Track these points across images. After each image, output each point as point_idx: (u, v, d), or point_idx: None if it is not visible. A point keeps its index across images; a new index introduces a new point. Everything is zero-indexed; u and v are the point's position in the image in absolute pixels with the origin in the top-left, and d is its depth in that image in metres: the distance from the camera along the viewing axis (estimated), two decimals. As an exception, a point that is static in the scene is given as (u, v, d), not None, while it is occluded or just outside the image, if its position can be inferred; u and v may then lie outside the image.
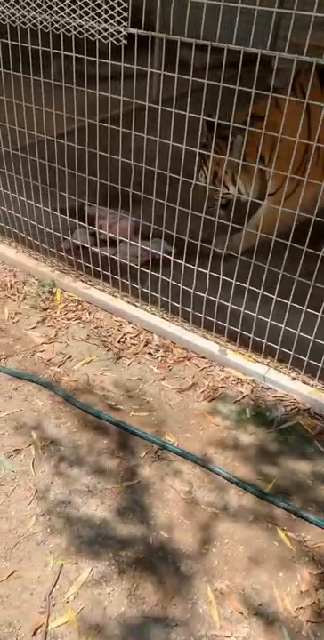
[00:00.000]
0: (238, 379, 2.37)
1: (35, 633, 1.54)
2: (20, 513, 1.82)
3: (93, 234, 2.85)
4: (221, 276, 2.28)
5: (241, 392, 2.31)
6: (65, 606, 1.60)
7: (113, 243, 2.83)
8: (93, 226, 2.73)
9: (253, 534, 1.82)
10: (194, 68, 1.91)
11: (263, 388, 2.34)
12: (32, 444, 2.04)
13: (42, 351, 2.47)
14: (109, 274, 2.69)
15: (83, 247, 2.81)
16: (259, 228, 2.15)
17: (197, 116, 2.04)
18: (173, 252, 2.49)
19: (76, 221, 2.69)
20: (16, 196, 2.81)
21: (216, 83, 1.93)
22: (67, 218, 2.70)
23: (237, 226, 2.18)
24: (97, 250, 2.71)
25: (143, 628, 1.56)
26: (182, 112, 2.01)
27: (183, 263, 2.36)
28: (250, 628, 1.59)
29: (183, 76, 1.97)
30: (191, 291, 2.40)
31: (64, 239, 2.87)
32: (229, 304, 2.32)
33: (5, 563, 1.70)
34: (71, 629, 1.55)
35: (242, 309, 2.29)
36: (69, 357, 2.45)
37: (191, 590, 1.66)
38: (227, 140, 2.53)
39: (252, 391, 2.32)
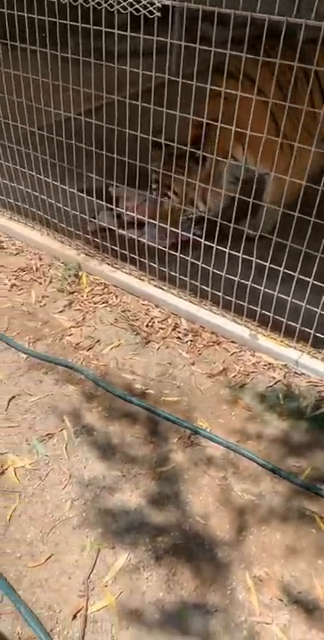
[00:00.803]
0: (270, 364, 2.34)
1: (74, 616, 1.55)
2: (55, 497, 1.83)
3: (119, 215, 2.82)
4: (254, 259, 2.24)
5: (273, 377, 2.28)
6: (104, 590, 1.61)
7: (140, 224, 2.79)
8: (119, 207, 2.69)
9: (289, 522, 1.80)
10: (215, 41, 1.87)
11: (295, 373, 2.31)
12: (64, 429, 2.04)
13: (70, 335, 2.46)
14: (136, 256, 2.66)
15: (109, 229, 2.78)
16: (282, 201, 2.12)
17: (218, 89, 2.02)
18: (203, 234, 2.44)
19: (102, 203, 2.66)
20: (41, 177, 2.77)
21: (239, 54, 1.89)
22: (92, 199, 2.67)
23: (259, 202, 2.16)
24: (123, 232, 2.68)
25: (182, 614, 1.57)
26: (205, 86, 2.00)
27: (214, 245, 2.32)
28: (290, 615, 1.58)
29: (206, 48, 1.92)
30: (222, 274, 2.36)
31: (90, 221, 2.83)
32: (261, 287, 2.29)
33: (43, 546, 1.71)
34: (111, 613, 1.56)
35: (275, 293, 2.25)
36: (98, 341, 2.44)
37: (229, 577, 1.66)
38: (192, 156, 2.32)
39: (284, 377, 2.29)
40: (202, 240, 2.37)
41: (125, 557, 1.69)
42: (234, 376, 2.29)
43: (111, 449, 1.98)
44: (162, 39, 2.02)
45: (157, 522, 1.78)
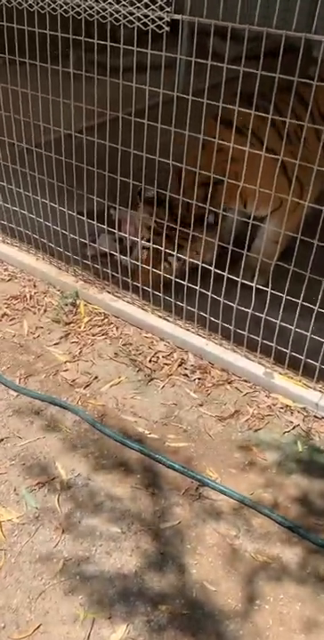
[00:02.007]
0: (287, 406, 2.30)
1: None
2: (46, 557, 1.77)
3: (120, 240, 2.81)
4: (269, 290, 2.22)
5: (291, 422, 2.24)
6: (98, 669, 1.53)
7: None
8: (121, 231, 2.69)
9: (311, 589, 1.72)
10: (223, 57, 1.90)
11: (315, 417, 2.25)
12: (57, 477, 1.99)
13: (65, 370, 2.43)
14: (139, 284, 2.64)
15: (109, 254, 2.77)
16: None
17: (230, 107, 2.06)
18: (213, 260, 2.42)
19: (103, 226, 2.65)
20: (37, 198, 2.78)
21: (254, 70, 1.91)
22: (92, 222, 2.67)
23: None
24: (126, 258, 2.66)
25: None
26: (216, 103, 2.03)
27: (225, 274, 2.30)
28: None
29: (217, 64, 1.94)
30: (233, 305, 2.33)
31: (89, 245, 2.83)
32: (277, 321, 2.26)
33: (30, 615, 1.63)
34: None
35: (293, 327, 2.22)
36: (96, 378, 2.40)
37: (242, 654, 1.58)
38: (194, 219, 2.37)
39: (303, 421, 2.24)
40: (212, 268, 2.35)
41: (124, 630, 1.61)
42: (247, 420, 2.24)
43: (109, 501, 1.93)
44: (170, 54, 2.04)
45: (160, 587, 1.71)
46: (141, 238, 2.63)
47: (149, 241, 2.61)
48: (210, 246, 2.43)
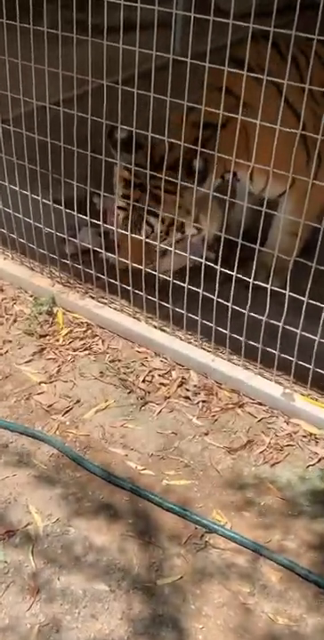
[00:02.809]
0: (311, 434, 2.32)
1: None
2: (17, 622, 1.77)
3: (106, 234, 2.84)
4: (287, 293, 2.24)
5: (316, 453, 2.26)
6: None
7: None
8: (107, 223, 2.72)
9: (343, 657, 1.73)
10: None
11: (345, 447, 2.28)
12: (30, 524, 2.00)
13: (40, 393, 2.45)
14: (130, 287, 2.66)
15: (93, 251, 2.79)
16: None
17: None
18: (219, 256, 2.44)
19: (85, 217, 2.68)
20: (5, 183, 2.81)
21: (266, 28, 1.94)
22: (72, 213, 2.69)
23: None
24: (113, 255, 2.69)
25: None
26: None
27: (234, 274, 2.32)
28: None
29: (222, 20, 1.97)
30: (244, 312, 2.36)
31: (68, 241, 2.85)
32: (297, 330, 2.28)
33: None
34: None
35: (317, 338, 2.24)
36: (78, 402, 2.42)
37: None
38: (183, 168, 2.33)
39: (331, 452, 2.26)
40: (217, 267, 2.37)
41: None
42: (262, 451, 2.26)
43: (94, 553, 1.94)
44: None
45: (158, 658, 1.72)
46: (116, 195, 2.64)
47: (124, 197, 2.60)
48: (202, 205, 2.41)
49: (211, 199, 2.37)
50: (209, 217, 2.43)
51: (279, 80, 2.10)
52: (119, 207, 2.64)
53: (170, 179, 2.36)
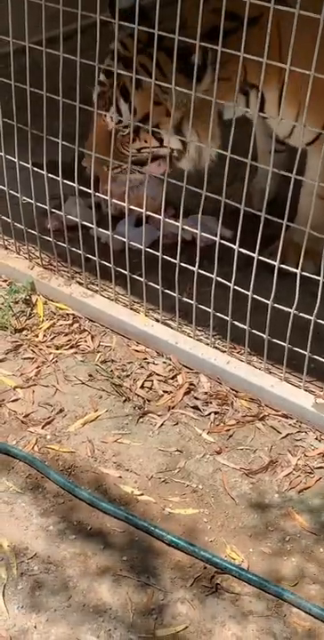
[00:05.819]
0: (348, 454, 2.34)
1: None
2: None
3: (98, 205, 2.85)
4: (321, 279, 2.24)
5: (353, 477, 2.28)
6: None
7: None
8: (100, 192, 2.72)
9: None
10: None
11: None
12: (2, 561, 2.01)
13: (15, 400, 2.47)
14: (126, 272, 2.67)
15: (81, 227, 2.80)
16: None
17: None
18: (237, 235, 2.44)
19: (72, 184, 2.68)
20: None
21: None
22: (56, 178, 2.70)
23: None
24: (106, 232, 2.69)
25: None
26: None
27: (255, 256, 2.33)
28: None
29: None
30: (267, 302, 2.36)
31: (51, 214, 2.86)
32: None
33: None
34: None
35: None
36: (61, 412, 2.44)
37: None
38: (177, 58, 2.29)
39: None
40: (235, 246, 2.38)
41: None
42: (288, 474, 2.27)
43: (80, 595, 1.95)
44: None
45: None
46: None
47: (106, 71, 2.57)
48: (191, 113, 2.37)
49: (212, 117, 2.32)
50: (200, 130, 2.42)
51: None
52: (99, 82, 2.61)
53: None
